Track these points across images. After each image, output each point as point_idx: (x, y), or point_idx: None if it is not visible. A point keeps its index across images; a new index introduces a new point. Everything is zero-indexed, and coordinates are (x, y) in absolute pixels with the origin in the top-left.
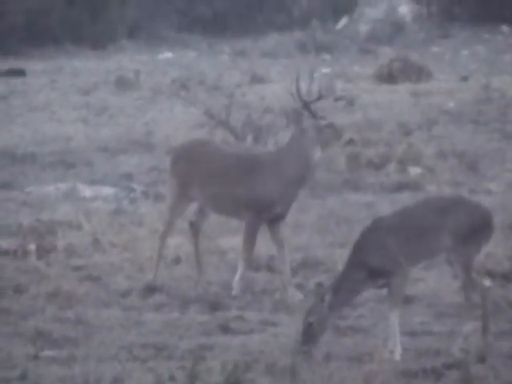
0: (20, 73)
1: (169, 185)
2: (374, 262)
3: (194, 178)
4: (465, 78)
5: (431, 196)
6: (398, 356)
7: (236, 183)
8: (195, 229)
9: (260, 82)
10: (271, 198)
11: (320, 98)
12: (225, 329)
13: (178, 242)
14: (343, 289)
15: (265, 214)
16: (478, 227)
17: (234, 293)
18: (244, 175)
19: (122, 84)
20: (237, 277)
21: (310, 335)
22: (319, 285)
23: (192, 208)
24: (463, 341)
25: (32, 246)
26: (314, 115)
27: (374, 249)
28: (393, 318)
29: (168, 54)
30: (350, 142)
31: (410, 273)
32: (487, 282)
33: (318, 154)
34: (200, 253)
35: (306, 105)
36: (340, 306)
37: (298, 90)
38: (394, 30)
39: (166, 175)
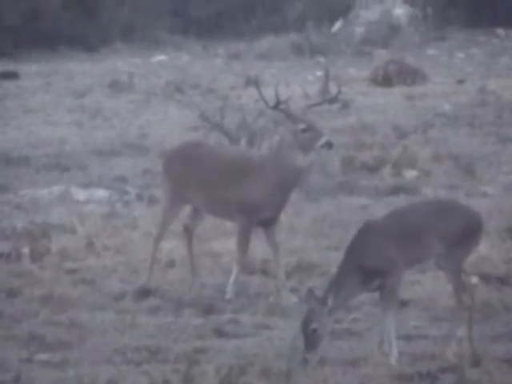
0: (14, 75)
1: (163, 188)
2: (369, 263)
3: (188, 180)
4: (460, 81)
5: (422, 200)
6: (393, 360)
7: (228, 185)
8: (189, 232)
9: (254, 84)
10: (259, 201)
11: (279, 103)
12: (219, 332)
13: (172, 246)
14: (340, 292)
15: (255, 217)
16: (468, 232)
17: (227, 296)
18: (236, 177)
19: (116, 86)
20: (231, 280)
21: (314, 342)
22: (311, 290)
23: (186, 211)
24: (458, 345)
25: (26, 250)
26: (292, 119)
27: (368, 251)
28: (388, 321)
29: (162, 57)
30: (328, 144)
31: (404, 276)
32: (474, 280)
33: (298, 158)
34: (194, 256)
35: (285, 110)
36: (336, 310)
37: (277, 94)
38: (390, 32)
39: (159, 178)
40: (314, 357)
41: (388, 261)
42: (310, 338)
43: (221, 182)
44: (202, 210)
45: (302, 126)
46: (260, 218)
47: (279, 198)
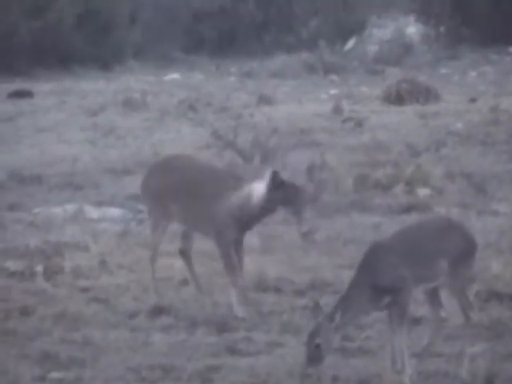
0: (27, 94)
1: (146, 207)
2: (381, 281)
3: (168, 195)
4: (473, 100)
5: (424, 218)
6: (406, 378)
7: (205, 199)
8: (185, 254)
9: (267, 102)
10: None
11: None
12: (232, 350)
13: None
14: (349, 309)
15: (231, 233)
16: (469, 249)
17: (239, 315)
18: (212, 192)
19: (129, 105)
20: (234, 302)
21: (316, 357)
22: (318, 305)
23: (177, 234)
24: (471, 363)
25: (39, 268)
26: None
27: (380, 269)
28: (399, 338)
29: (175, 75)
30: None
31: (415, 294)
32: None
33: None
34: (196, 276)
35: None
36: (344, 327)
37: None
38: (402, 51)
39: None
40: (318, 373)
41: (399, 278)
42: (313, 354)
43: (199, 196)
44: (185, 227)
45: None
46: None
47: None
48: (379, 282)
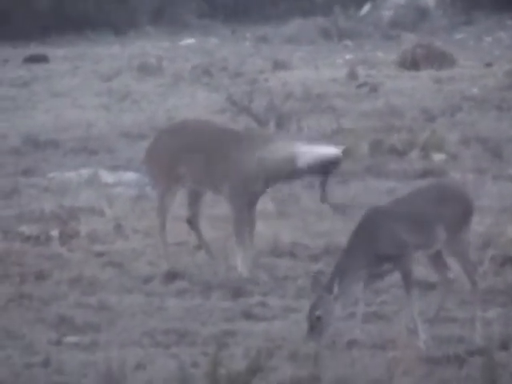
0: (43, 59)
1: (152, 173)
2: (381, 247)
3: (180, 157)
4: (488, 65)
5: (421, 185)
6: (421, 343)
7: (224, 158)
8: (193, 223)
9: (282, 68)
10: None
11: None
12: (247, 315)
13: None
14: (345, 278)
15: (248, 193)
16: (466, 213)
17: (243, 275)
18: (231, 151)
19: (144, 70)
20: (238, 262)
21: (317, 328)
22: (316, 277)
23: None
24: (486, 327)
25: (54, 232)
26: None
27: (380, 235)
28: (410, 303)
29: (190, 40)
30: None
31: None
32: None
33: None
34: (207, 242)
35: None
36: (344, 296)
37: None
38: (418, 16)
39: (145, 165)
40: (320, 342)
41: (400, 244)
42: (314, 325)
43: (217, 154)
44: (196, 188)
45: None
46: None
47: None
48: (379, 248)
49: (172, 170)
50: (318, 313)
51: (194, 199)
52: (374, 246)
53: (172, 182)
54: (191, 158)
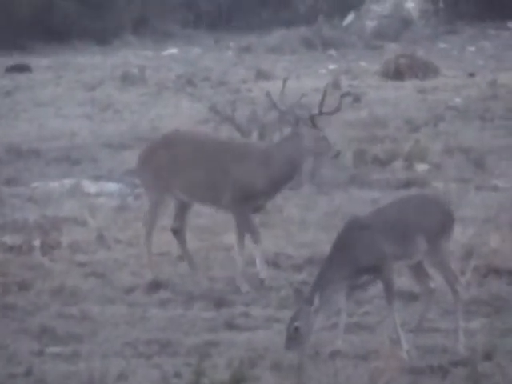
0: (25, 68)
1: (145, 183)
2: (360, 258)
3: (174, 168)
4: (471, 74)
5: (401, 197)
6: (404, 353)
7: (224, 170)
8: (179, 233)
9: (265, 78)
10: (257, 188)
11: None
12: (230, 325)
13: None
14: (326, 290)
15: (250, 204)
16: (446, 223)
17: (261, 276)
18: (234, 162)
19: (128, 80)
20: (258, 261)
21: (295, 340)
22: (298, 290)
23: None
24: (469, 338)
25: (37, 242)
26: (315, 125)
27: (360, 246)
28: (393, 312)
29: (173, 50)
30: (338, 154)
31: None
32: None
33: (308, 160)
34: (190, 253)
35: (312, 117)
36: (325, 308)
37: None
38: (401, 26)
39: (138, 175)
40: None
41: (380, 255)
42: (292, 336)
43: (215, 166)
44: (187, 200)
45: (323, 134)
46: (254, 204)
47: (273, 189)
48: (358, 259)
49: (167, 180)
50: (296, 324)
51: (182, 210)
52: (354, 257)
53: (166, 192)
54: (188, 170)
